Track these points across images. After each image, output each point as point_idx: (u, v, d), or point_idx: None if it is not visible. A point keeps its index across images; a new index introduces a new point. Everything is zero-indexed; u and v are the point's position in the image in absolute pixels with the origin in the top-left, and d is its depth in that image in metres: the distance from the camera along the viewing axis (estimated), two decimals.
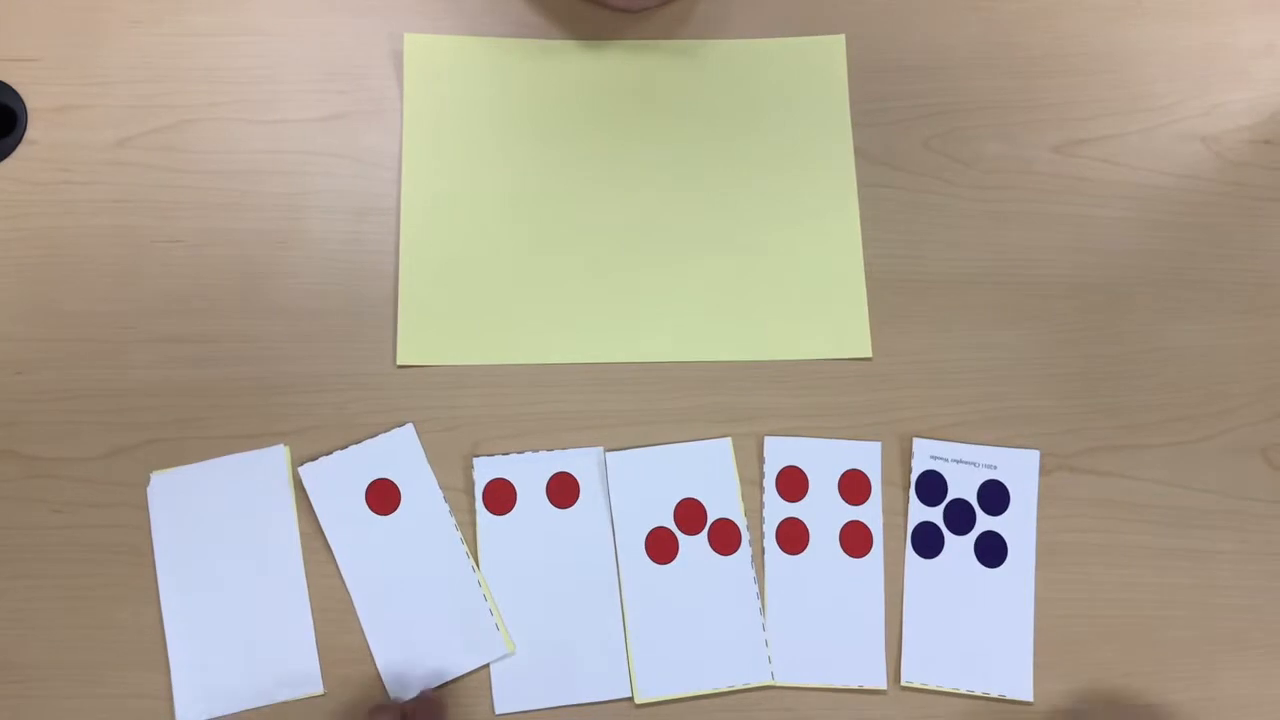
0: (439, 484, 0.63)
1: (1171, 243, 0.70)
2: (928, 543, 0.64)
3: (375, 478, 0.63)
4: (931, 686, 0.62)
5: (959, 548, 0.64)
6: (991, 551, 0.64)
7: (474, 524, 0.63)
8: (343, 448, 0.63)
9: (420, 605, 0.62)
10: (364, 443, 0.64)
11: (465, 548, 0.62)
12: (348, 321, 0.66)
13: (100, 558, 0.61)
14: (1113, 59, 0.73)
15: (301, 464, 0.63)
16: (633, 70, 0.71)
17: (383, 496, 0.63)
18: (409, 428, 0.64)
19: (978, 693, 0.62)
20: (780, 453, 0.65)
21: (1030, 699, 0.62)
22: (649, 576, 0.63)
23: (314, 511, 0.62)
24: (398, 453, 0.64)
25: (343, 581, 0.62)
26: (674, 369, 0.66)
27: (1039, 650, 0.63)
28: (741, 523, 0.64)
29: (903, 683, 0.62)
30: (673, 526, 0.64)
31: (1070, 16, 0.73)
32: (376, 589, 0.62)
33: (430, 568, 0.62)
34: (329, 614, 0.61)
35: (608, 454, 0.64)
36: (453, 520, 0.63)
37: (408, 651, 0.61)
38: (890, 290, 0.68)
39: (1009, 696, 0.62)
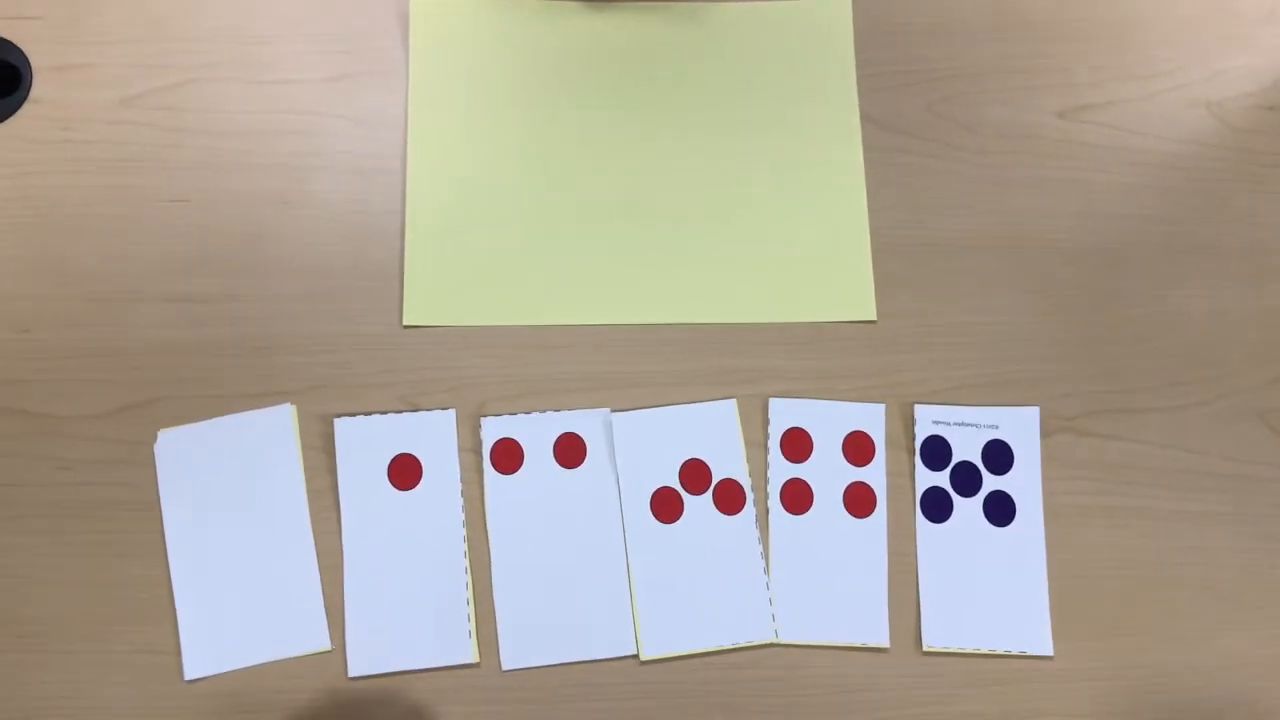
0: (461, 478, 0.63)
1: (1174, 208, 0.70)
2: (937, 507, 0.65)
3: (403, 451, 0.63)
4: (954, 649, 0.63)
5: (968, 510, 0.65)
6: (1000, 510, 0.65)
7: (481, 483, 0.63)
8: (366, 412, 0.64)
9: (406, 589, 0.62)
10: (403, 414, 0.64)
11: (466, 546, 0.62)
12: (354, 282, 0.66)
13: (108, 514, 0.62)
14: (1117, 24, 0.73)
15: (306, 420, 0.64)
16: (639, 33, 0.71)
17: (405, 471, 0.63)
18: (451, 413, 0.64)
19: (999, 651, 0.63)
20: (785, 414, 0.66)
21: (1050, 653, 0.63)
22: (654, 536, 0.63)
23: (330, 466, 0.63)
24: (432, 433, 0.64)
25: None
26: (680, 331, 0.67)
27: None
28: (746, 483, 0.65)
29: (924, 648, 0.62)
30: (678, 486, 0.64)
31: None
32: (370, 559, 0.62)
33: (427, 555, 0.62)
34: (336, 570, 0.62)
35: (614, 414, 0.65)
36: (462, 516, 0.63)
37: (379, 630, 0.61)
38: (894, 254, 0.68)
39: (1030, 653, 0.63)
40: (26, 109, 0.67)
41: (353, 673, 0.60)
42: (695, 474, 0.64)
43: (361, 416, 0.64)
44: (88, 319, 0.64)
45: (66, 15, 0.68)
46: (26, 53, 0.67)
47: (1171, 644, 0.63)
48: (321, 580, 0.62)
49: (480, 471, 0.64)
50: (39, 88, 0.67)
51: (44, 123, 0.67)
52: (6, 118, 0.66)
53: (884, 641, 0.63)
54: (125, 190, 0.66)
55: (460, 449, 0.64)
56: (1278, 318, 0.69)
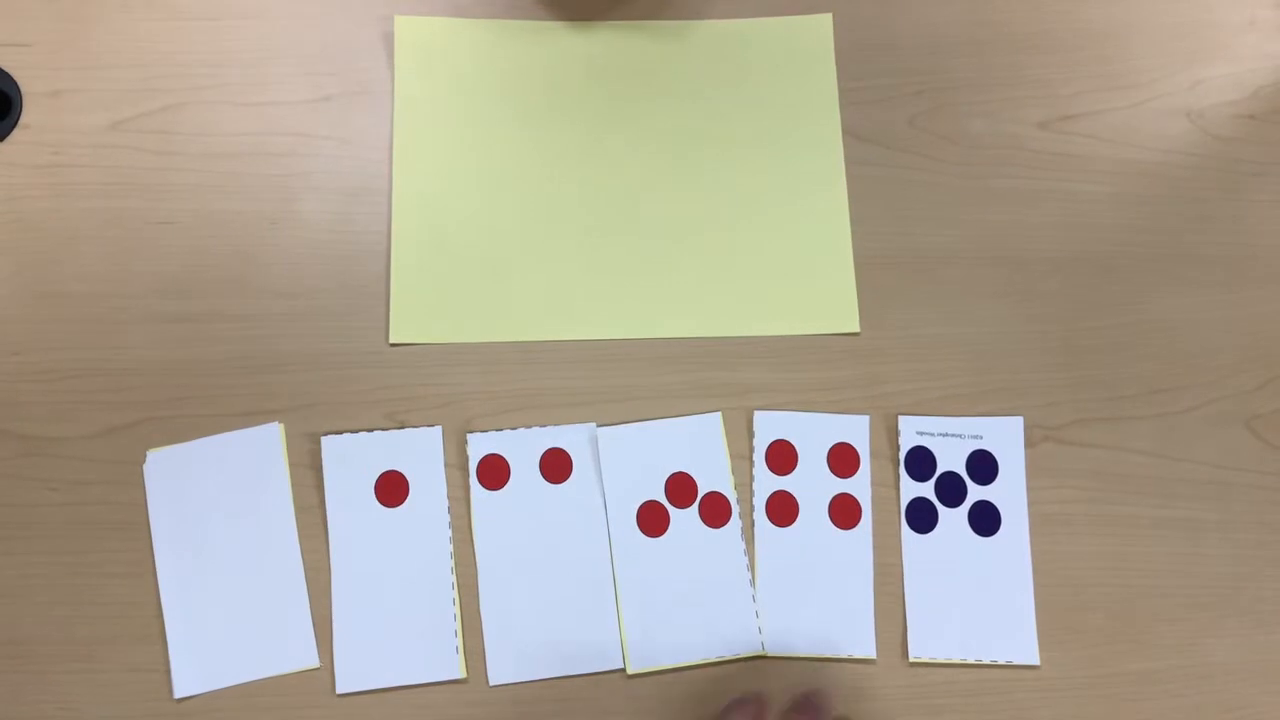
0: (448, 494, 0.64)
1: (1156, 217, 0.71)
2: (922, 518, 0.65)
3: (390, 468, 0.64)
4: (940, 660, 0.63)
5: (953, 520, 0.65)
6: (985, 521, 0.65)
7: (468, 499, 0.64)
8: (353, 429, 0.64)
9: (393, 606, 0.62)
10: (390, 431, 0.64)
11: (453, 562, 0.63)
12: (340, 300, 0.66)
13: (97, 534, 0.62)
14: (1097, 35, 0.73)
15: (294, 439, 0.64)
16: (621, 51, 0.72)
17: (391, 488, 0.64)
18: (437, 429, 0.64)
19: (986, 661, 0.63)
20: (770, 427, 0.66)
21: (1037, 662, 0.63)
22: (640, 549, 0.64)
23: (319, 484, 0.63)
24: (419, 450, 0.64)
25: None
26: (664, 345, 0.67)
27: None
28: (731, 496, 0.65)
29: (911, 659, 0.62)
30: (664, 500, 0.64)
31: None
32: (358, 576, 0.62)
33: (414, 572, 0.62)
34: (324, 588, 0.62)
35: (599, 429, 0.65)
36: (449, 532, 0.63)
37: (367, 646, 0.61)
38: (878, 266, 0.69)
39: (1016, 662, 0.63)
40: (16, 134, 0.68)
41: (341, 689, 0.61)
42: (681, 487, 0.65)
43: (348, 434, 0.64)
44: (77, 341, 0.65)
45: (55, 41, 0.69)
46: (16, 79, 0.68)
47: (1158, 651, 0.63)
48: (309, 598, 0.62)
49: (467, 488, 0.64)
50: (29, 113, 0.68)
51: (34, 148, 0.68)
52: None
53: (870, 653, 0.63)
54: (114, 213, 0.67)
55: (446, 465, 0.64)
56: (1261, 324, 0.69)
